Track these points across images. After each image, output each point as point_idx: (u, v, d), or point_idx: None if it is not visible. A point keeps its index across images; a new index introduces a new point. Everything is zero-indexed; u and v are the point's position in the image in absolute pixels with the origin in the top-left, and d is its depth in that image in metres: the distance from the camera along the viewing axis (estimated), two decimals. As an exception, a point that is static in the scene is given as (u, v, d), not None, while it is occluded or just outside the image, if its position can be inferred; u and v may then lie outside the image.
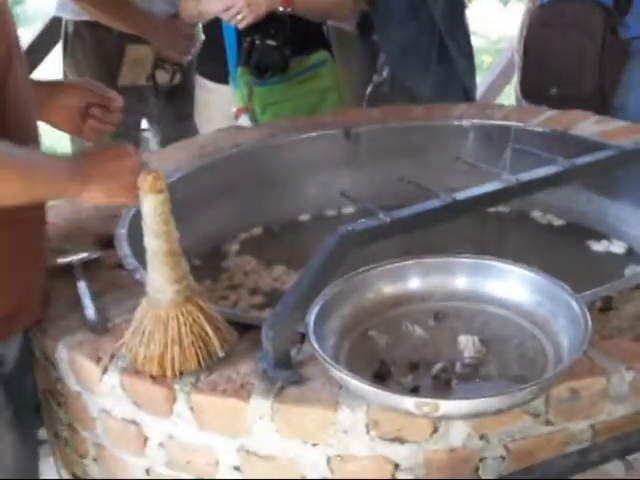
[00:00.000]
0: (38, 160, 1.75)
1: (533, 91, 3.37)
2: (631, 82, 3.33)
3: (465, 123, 2.84)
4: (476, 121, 2.83)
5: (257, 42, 3.09)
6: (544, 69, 3.32)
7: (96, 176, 1.75)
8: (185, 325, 1.71)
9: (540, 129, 2.72)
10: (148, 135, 4.08)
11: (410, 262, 1.77)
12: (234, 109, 3.25)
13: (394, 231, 1.77)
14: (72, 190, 1.75)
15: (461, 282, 1.76)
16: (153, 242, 1.69)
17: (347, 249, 1.72)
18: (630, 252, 2.54)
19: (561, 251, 2.60)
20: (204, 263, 2.60)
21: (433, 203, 1.81)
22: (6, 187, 1.66)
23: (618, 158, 1.99)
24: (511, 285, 1.71)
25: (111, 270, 2.19)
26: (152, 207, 1.66)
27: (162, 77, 3.62)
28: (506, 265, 1.73)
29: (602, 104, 3.20)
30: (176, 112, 3.75)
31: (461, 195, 1.84)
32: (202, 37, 3.53)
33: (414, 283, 1.76)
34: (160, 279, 1.72)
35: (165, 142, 3.81)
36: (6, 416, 1.95)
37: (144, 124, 3.98)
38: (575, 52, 3.28)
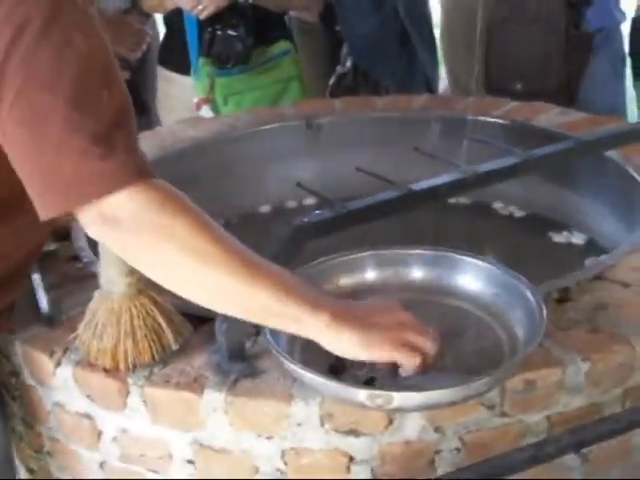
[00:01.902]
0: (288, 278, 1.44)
1: (497, 86, 3.37)
2: (595, 75, 3.34)
3: (425, 115, 2.83)
4: (436, 112, 2.82)
5: (218, 32, 3.08)
6: (507, 64, 3.32)
7: (353, 319, 1.42)
8: (138, 318, 1.69)
9: (500, 121, 2.72)
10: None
11: (366, 253, 1.75)
12: (196, 100, 3.23)
13: (350, 222, 1.76)
14: (317, 324, 1.40)
15: (418, 274, 1.74)
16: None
17: (302, 241, 1.71)
18: (590, 243, 2.55)
19: (522, 242, 2.61)
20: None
21: (389, 194, 1.80)
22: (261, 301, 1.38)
23: (575, 149, 1.98)
24: (468, 277, 1.70)
25: (67, 262, 2.16)
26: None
27: None
28: (463, 257, 1.72)
29: (568, 98, 3.20)
30: None
31: (417, 186, 1.83)
32: (150, 32, 3.49)
33: (370, 275, 1.74)
34: (112, 271, 1.70)
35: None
36: None
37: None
38: (539, 47, 3.28)
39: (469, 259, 1.71)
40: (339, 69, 3.46)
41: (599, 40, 3.35)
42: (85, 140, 1.33)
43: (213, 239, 1.39)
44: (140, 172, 1.37)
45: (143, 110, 3.71)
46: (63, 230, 2.27)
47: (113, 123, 1.36)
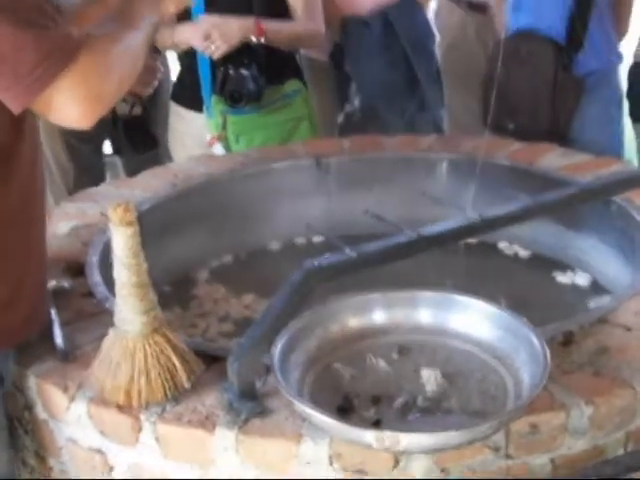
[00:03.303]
0: (126, 20, 1.80)
1: (495, 125, 3.42)
2: (585, 117, 3.40)
3: (433, 156, 2.88)
4: (444, 154, 2.87)
5: (231, 71, 3.13)
6: (502, 104, 3.37)
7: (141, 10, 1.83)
8: (152, 356, 1.73)
9: (506, 163, 2.76)
10: (115, 161, 4.11)
11: (375, 295, 1.80)
12: (208, 137, 3.29)
13: (360, 266, 1.80)
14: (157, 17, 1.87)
15: (425, 316, 1.78)
16: (122, 274, 1.71)
17: (313, 284, 1.75)
18: (594, 284, 2.58)
19: (527, 282, 2.64)
20: (174, 290, 2.62)
21: (398, 238, 1.84)
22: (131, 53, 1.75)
23: (578, 195, 2.03)
24: (474, 319, 1.74)
25: (82, 298, 2.20)
26: (122, 239, 1.68)
27: (121, 108, 3.62)
28: (469, 299, 1.76)
29: (558, 138, 3.24)
30: (139, 141, 3.74)
31: (426, 231, 1.87)
32: (162, 69, 3.53)
33: (378, 316, 1.79)
34: (128, 310, 1.74)
35: (131, 169, 3.85)
36: (3, 436, 1.96)
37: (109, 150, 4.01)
38: (529, 88, 3.34)
39: (475, 302, 1.75)
40: (348, 107, 3.50)
41: (591, 82, 3.40)
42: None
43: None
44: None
45: (154, 144, 3.77)
46: (77, 266, 2.32)
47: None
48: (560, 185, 2.35)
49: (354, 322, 1.78)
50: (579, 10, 3.29)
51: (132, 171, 3.82)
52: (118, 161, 4.07)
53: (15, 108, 1.65)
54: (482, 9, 3.94)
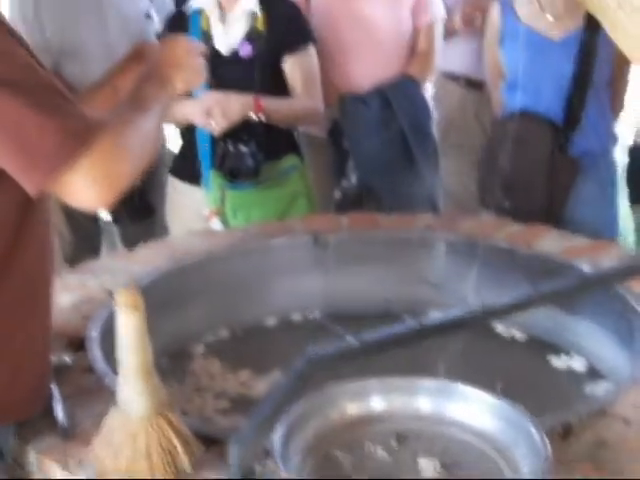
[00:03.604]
0: (138, 102, 1.82)
1: (490, 203, 3.46)
2: (581, 196, 3.45)
3: (431, 235, 2.91)
4: (442, 234, 2.90)
5: (230, 147, 3.18)
6: (499, 183, 3.42)
7: (171, 73, 1.92)
8: (154, 439, 1.74)
9: (505, 246, 2.79)
10: (111, 228, 4.14)
11: (372, 381, 1.82)
12: (206, 211, 3.32)
13: (361, 355, 1.81)
14: (168, 97, 1.91)
15: (424, 403, 1.79)
16: (127, 356, 1.73)
17: (314, 372, 1.76)
18: (590, 369, 2.59)
19: (522, 366, 2.64)
20: (171, 363, 2.62)
21: (400, 328, 1.86)
22: (145, 134, 1.78)
23: (581, 286, 2.05)
24: (473, 409, 1.75)
25: (82, 373, 2.20)
26: (127, 323, 1.70)
27: None
28: (468, 388, 1.77)
29: (553, 218, 3.29)
30: (136, 210, 3.77)
31: (428, 321, 1.89)
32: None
33: (377, 403, 1.80)
34: (131, 392, 1.75)
35: (127, 237, 3.88)
36: None
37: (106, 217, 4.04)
38: (524, 168, 3.39)
39: (474, 391, 1.77)
40: (344, 183, 3.54)
41: (586, 163, 3.45)
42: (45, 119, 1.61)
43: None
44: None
45: (150, 213, 3.80)
46: (78, 341, 2.33)
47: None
48: (559, 270, 2.38)
49: (353, 408, 1.78)
50: (576, 91, 3.34)
51: (128, 239, 3.87)
52: (114, 228, 4.09)
53: (32, 190, 1.68)
54: (480, 86, 4.01)
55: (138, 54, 2.12)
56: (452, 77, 4.07)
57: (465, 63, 4.05)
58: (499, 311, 1.93)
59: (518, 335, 2.78)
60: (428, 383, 1.81)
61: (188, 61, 1.99)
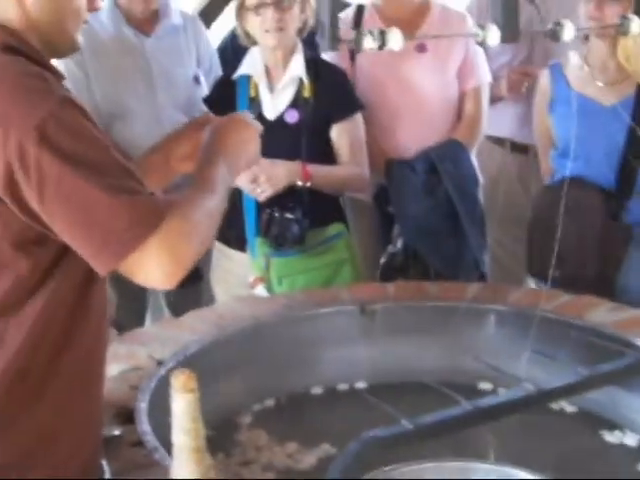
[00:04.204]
0: (205, 183, 1.81)
1: (539, 272, 3.43)
2: (634, 265, 3.39)
3: (480, 307, 2.88)
4: (491, 305, 2.88)
5: (276, 215, 3.17)
6: (548, 251, 3.39)
7: (237, 155, 1.94)
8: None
9: (556, 318, 2.76)
10: (157, 292, 4.13)
11: (428, 465, 1.79)
12: (251, 278, 3.31)
13: (416, 438, 1.79)
14: (232, 178, 1.92)
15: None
16: (181, 438, 1.70)
17: (369, 455, 1.74)
18: (644, 444, 2.55)
19: (574, 441, 2.59)
20: (217, 435, 2.57)
21: (455, 411, 1.83)
22: (210, 214, 1.77)
23: (637, 366, 2.02)
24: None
25: (131, 447, 2.18)
26: (183, 405, 1.68)
27: None
28: (523, 473, 1.74)
29: (604, 287, 3.24)
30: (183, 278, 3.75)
31: (482, 403, 1.87)
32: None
33: (432, 486, 1.78)
34: (185, 474, 1.72)
35: (171, 300, 3.87)
36: None
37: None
38: (576, 236, 3.35)
39: (528, 477, 1.74)
40: (390, 249, 3.51)
41: (638, 231, 3.41)
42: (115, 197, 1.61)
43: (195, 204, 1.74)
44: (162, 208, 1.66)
45: (196, 278, 3.79)
46: (126, 412, 2.32)
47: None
48: (612, 344, 2.34)
49: (408, 492, 1.77)
50: (629, 157, 3.31)
51: (174, 303, 3.86)
52: (160, 292, 4.09)
53: (101, 270, 1.68)
54: (525, 150, 4.00)
55: (197, 126, 2.12)
56: (497, 141, 4.05)
57: (510, 127, 4.04)
58: (555, 393, 1.90)
59: (569, 409, 2.74)
60: (483, 467, 1.79)
61: (252, 144, 2.01)
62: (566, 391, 1.93)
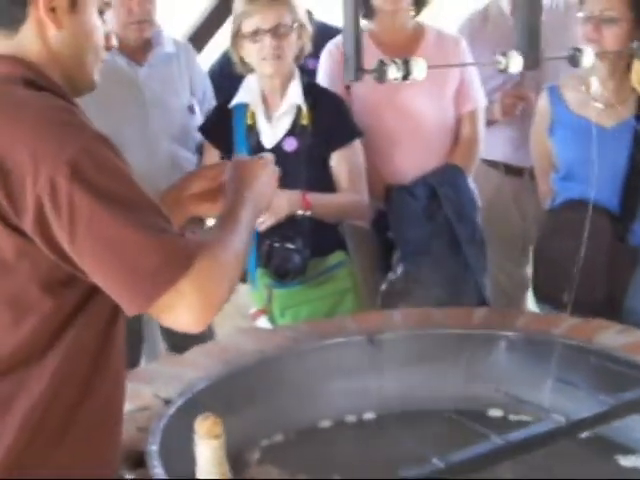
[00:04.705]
0: (233, 225, 1.79)
1: (546, 297, 3.40)
2: (641, 286, 3.37)
3: (489, 333, 2.85)
4: (500, 331, 2.84)
5: (276, 245, 3.13)
6: (554, 276, 3.36)
7: (259, 200, 1.93)
8: None
9: (565, 342, 2.72)
10: (153, 322, 4.08)
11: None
12: (252, 310, 3.26)
13: (448, 476, 1.75)
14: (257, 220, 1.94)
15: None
16: (206, 485, 1.67)
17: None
18: (659, 470, 2.52)
19: (589, 465, 2.56)
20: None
21: (487, 446, 1.79)
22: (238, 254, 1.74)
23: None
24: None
25: (144, 492, 2.14)
26: (208, 452, 1.65)
27: None
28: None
29: (612, 309, 3.21)
30: None
31: (513, 437, 1.83)
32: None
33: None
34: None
35: (166, 332, 3.82)
36: None
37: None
38: (583, 259, 3.32)
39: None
40: (390, 275, 3.48)
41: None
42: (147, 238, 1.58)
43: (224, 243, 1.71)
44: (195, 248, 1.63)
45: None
46: (135, 455, 2.26)
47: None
48: (626, 368, 2.31)
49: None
50: (633, 179, 3.29)
51: (170, 335, 3.80)
52: (156, 323, 4.03)
53: (131, 311, 1.63)
54: (520, 173, 3.97)
55: (212, 169, 2.11)
56: (491, 164, 4.03)
57: (503, 151, 4.03)
58: (585, 425, 1.87)
59: (584, 433, 2.70)
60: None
61: (271, 186, 2.02)
62: (596, 421, 1.90)
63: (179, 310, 1.60)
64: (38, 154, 1.57)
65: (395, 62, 1.74)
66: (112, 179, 1.59)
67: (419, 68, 1.74)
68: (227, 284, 1.67)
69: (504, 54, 1.81)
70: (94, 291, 1.66)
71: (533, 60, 1.79)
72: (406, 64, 1.74)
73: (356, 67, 1.77)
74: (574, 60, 1.85)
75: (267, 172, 2.00)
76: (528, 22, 1.76)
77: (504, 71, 1.86)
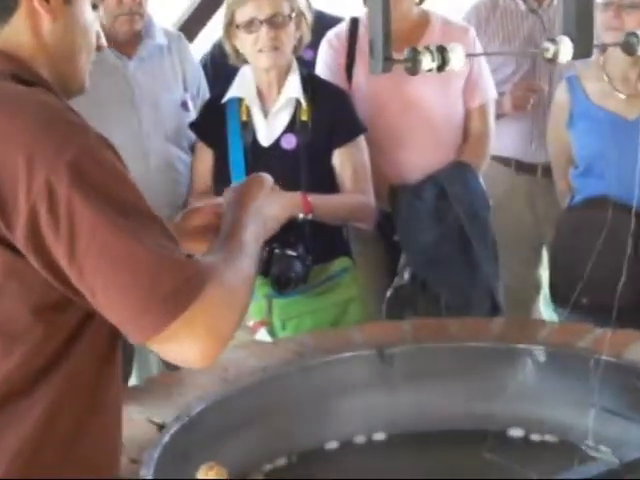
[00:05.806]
0: (240, 248, 1.64)
1: (563, 300, 3.21)
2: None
3: (507, 346, 2.66)
4: (519, 344, 2.65)
5: (277, 251, 2.89)
6: (574, 277, 3.18)
7: (261, 221, 1.78)
8: None
9: (591, 356, 2.51)
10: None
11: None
12: (251, 322, 3.05)
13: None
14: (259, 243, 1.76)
15: None
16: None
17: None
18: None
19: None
20: (229, 498, 2.37)
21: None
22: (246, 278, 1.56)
23: None
24: None
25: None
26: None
27: None
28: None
29: (638, 315, 3.03)
30: None
31: (564, 476, 1.63)
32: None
33: None
34: None
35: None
36: None
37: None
38: (607, 262, 3.14)
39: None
40: (397, 280, 3.28)
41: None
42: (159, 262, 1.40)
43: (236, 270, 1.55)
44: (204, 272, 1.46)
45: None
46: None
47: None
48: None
49: None
50: None
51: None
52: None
53: (137, 340, 1.43)
54: (532, 170, 3.79)
55: (210, 206, 1.96)
56: (501, 161, 3.83)
57: (514, 146, 3.85)
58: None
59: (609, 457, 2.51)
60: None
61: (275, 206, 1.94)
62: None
63: (184, 342, 1.41)
64: (32, 155, 1.38)
65: (430, 50, 1.53)
66: (118, 186, 1.41)
67: (457, 57, 1.53)
68: (238, 313, 1.49)
69: (552, 41, 1.59)
70: (89, 317, 1.48)
71: (585, 47, 1.57)
72: (442, 52, 1.53)
73: (384, 56, 1.54)
74: (629, 47, 1.64)
75: (265, 192, 1.86)
76: (578, 4, 1.54)
77: (552, 61, 1.64)
